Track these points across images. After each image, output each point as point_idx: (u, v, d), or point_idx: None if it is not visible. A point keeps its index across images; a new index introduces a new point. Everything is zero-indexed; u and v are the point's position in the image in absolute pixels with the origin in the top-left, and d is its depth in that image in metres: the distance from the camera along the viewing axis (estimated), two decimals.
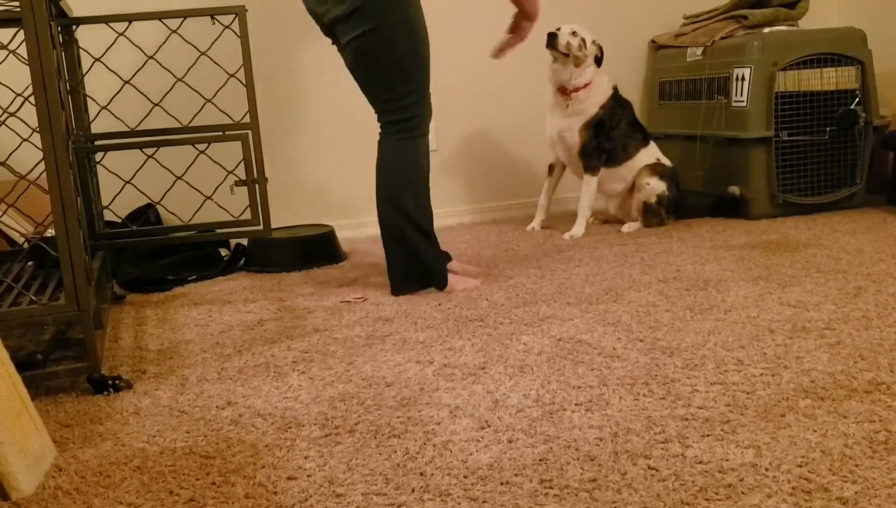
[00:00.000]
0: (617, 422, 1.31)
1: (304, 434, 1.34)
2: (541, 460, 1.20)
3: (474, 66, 3.26)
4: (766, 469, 1.12)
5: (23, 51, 1.55)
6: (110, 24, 2.20)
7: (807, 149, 2.93)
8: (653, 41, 3.48)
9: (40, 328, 1.81)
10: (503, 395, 1.45)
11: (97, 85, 2.47)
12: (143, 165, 2.36)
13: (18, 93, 1.94)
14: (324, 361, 1.71)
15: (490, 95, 3.32)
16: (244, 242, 2.80)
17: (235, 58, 2.40)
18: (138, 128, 2.31)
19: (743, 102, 2.89)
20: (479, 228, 3.17)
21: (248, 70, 2.19)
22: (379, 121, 2.16)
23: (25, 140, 2.01)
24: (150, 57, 2.22)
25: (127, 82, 2.25)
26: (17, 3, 1.56)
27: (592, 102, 2.78)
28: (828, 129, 2.93)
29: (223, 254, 2.83)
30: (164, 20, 2.21)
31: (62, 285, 1.60)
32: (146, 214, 2.76)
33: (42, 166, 1.53)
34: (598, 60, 2.80)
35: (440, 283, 2.19)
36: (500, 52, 2.21)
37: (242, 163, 2.23)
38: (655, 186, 2.85)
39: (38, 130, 1.51)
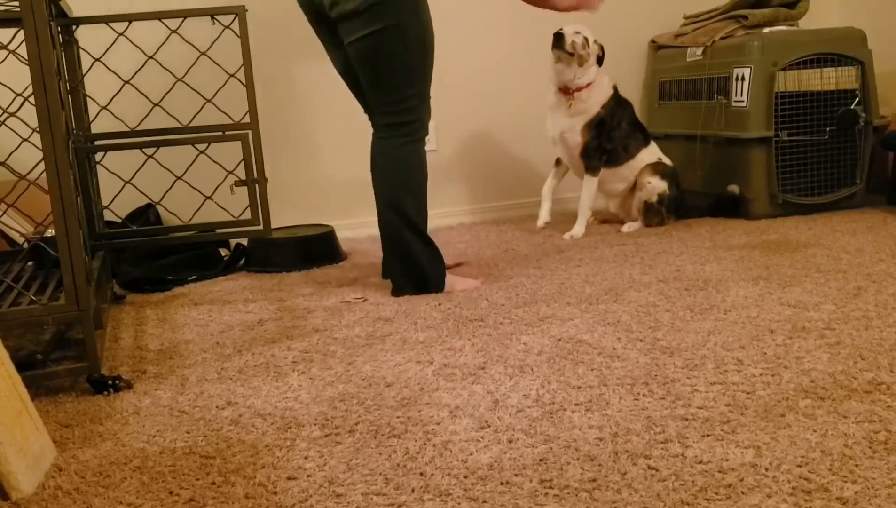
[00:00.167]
0: (617, 422, 1.31)
1: (304, 434, 1.34)
2: (541, 460, 1.20)
3: (475, 66, 3.26)
4: (766, 469, 1.12)
5: (23, 51, 1.55)
6: (110, 24, 2.20)
7: (807, 149, 2.93)
8: (653, 41, 3.48)
9: (40, 328, 1.81)
10: (503, 395, 1.45)
11: (97, 85, 2.47)
12: (143, 165, 2.36)
13: (18, 93, 1.94)
14: (324, 361, 1.71)
15: (490, 96, 3.32)
16: (244, 242, 2.80)
17: (235, 58, 2.40)
18: (138, 128, 2.31)
19: (743, 102, 2.89)
20: (479, 228, 3.17)
21: (248, 70, 2.19)
22: (377, 122, 2.14)
23: (25, 140, 2.01)
24: (150, 57, 2.22)
25: (127, 82, 2.25)
26: (16, 3, 1.56)
27: (594, 101, 2.78)
28: (828, 129, 2.93)
29: (223, 254, 2.83)
30: (164, 20, 2.21)
31: (62, 285, 1.60)
32: (146, 214, 2.76)
33: (42, 166, 1.53)
34: (600, 60, 2.81)
35: (437, 288, 2.19)
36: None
37: (242, 163, 2.23)
38: (657, 186, 2.85)
39: (38, 130, 1.51)
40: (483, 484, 1.14)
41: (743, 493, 1.07)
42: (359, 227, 3.15)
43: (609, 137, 2.81)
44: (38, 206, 2.08)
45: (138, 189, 2.40)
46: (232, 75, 2.33)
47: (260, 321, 2.05)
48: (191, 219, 2.43)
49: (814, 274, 2.13)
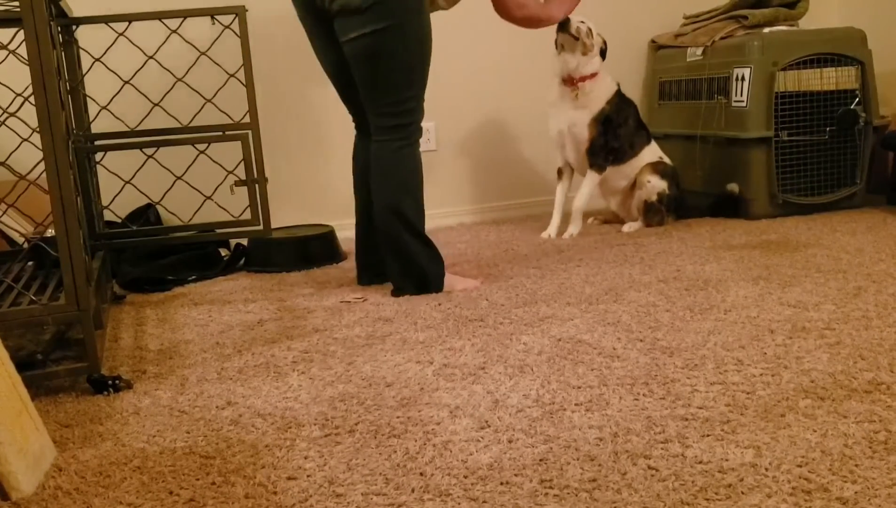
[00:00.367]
0: (617, 422, 1.31)
1: (304, 434, 1.34)
2: (541, 460, 1.20)
3: (475, 66, 3.26)
4: (766, 469, 1.12)
5: (23, 51, 1.55)
6: (110, 24, 2.20)
7: (807, 149, 2.93)
8: (653, 41, 3.48)
9: (40, 328, 1.81)
10: (503, 395, 1.45)
11: (97, 85, 2.47)
12: (143, 165, 2.36)
13: (18, 93, 1.94)
14: (324, 361, 1.71)
15: (490, 96, 3.32)
16: (244, 242, 2.80)
17: (235, 58, 2.40)
18: (138, 128, 2.31)
19: (743, 102, 2.89)
20: (479, 228, 3.17)
21: (248, 70, 2.19)
22: (374, 123, 2.11)
23: (25, 140, 2.01)
24: (150, 57, 2.22)
25: (127, 82, 2.25)
26: (16, 3, 1.56)
27: (599, 95, 2.78)
28: (828, 129, 2.93)
29: (223, 254, 2.83)
30: (164, 20, 2.21)
31: (62, 285, 1.60)
32: (146, 214, 2.76)
33: (42, 166, 1.53)
34: (603, 54, 2.81)
35: (437, 288, 2.19)
36: None
37: (242, 163, 2.23)
38: (656, 185, 2.85)
39: (38, 130, 1.51)
40: (483, 484, 1.14)
41: (743, 493, 1.07)
42: None
43: (616, 135, 2.81)
44: (38, 206, 2.08)
45: (138, 189, 2.40)
46: (232, 75, 2.33)
47: (260, 321, 2.06)
48: (191, 219, 2.43)
49: (814, 274, 2.13)
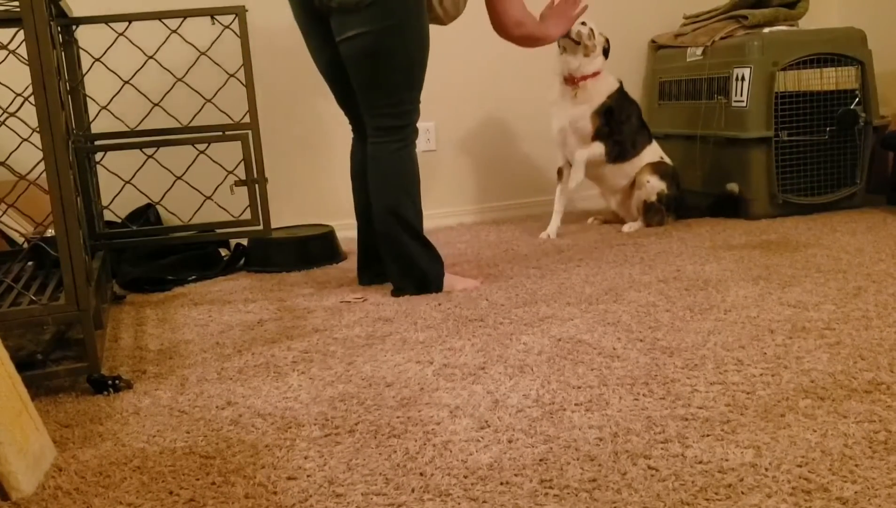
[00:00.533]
0: (617, 422, 1.31)
1: (304, 434, 1.34)
2: (541, 460, 1.20)
3: (475, 66, 3.26)
4: (766, 469, 1.12)
5: (23, 51, 1.55)
6: (110, 24, 2.20)
7: (807, 149, 2.93)
8: (653, 41, 3.48)
9: (40, 328, 1.81)
10: (503, 395, 1.45)
11: (97, 85, 2.47)
12: (143, 165, 2.36)
13: (18, 93, 1.94)
14: (324, 361, 1.71)
15: (490, 96, 3.32)
16: (244, 242, 2.80)
17: (235, 58, 2.40)
18: (138, 128, 2.31)
19: (743, 102, 2.89)
20: (479, 228, 3.17)
21: (248, 70, 2.19)
22: (370, 124, 2.10)
23: (25, 140, 2.01)
24: (150, 57, 2.22)
25: (127, 82, 2.25)
26: (16, 3, 1.56)
27: (600, 90, 2.78)
28: (828, 129, 2.93)
29: (223, 254, 2.83)
30: (164, 20, 2.21)
31: (62, 285, 1.60)
32: (146, 214, 2.76)
33: (42, 166, 1.53)
34: (606, 52, 2.82)
35: (437, 288, 2.19)
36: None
37: (242, 163, 2.23)
38: (656, 185, 2.85)
39: (38, 130, 1.51)
40: (483, 484, 1.14)
41: (743, 493, 1.07)
42: None
43: (619, 129, 2.81)
44: (38, 206, 2.08)
45: (138, 189, 2.40)
46: (232, 75, 2.33)
47: (260, 321, 2.05)
48: (191, 219, 2.43)
49: (814, 274, 2.13)
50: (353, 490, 1.15)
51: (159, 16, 2.18)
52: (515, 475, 1.16)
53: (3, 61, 2.01)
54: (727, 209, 2.99)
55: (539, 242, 2.81)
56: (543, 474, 1.15)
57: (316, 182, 3.12)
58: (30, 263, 2.04)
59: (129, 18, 2.18)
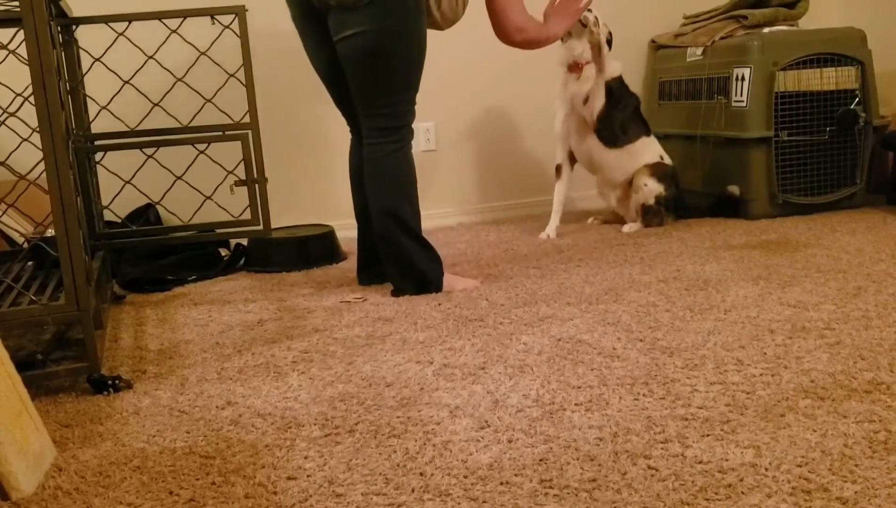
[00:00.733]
0: (617, 422, 1.31)
1: (304, 434, 1.34)
2: (541, 460, 1.20)
3: (475, 66, 3.26)
4: (766, 469, 1.12)
5: (23, 51, 1.55)
6: (110, 24, 2.20)
7: (807, 149, 2.93)
8: (653, 41, 3.48)
9: (40, 328, 1.81)
10: (503, 395, 1.45)
11: (97, 85, 2.47)
12: (142, 165, 2.36)
13: (18, 93, 1.94)
14: (324, 361, 1.71)
15: (490, 96, 3.32)
16: (244, 242, 2.80)
17: (235, 58, 2.40)
18: (138, 128, 2.31)
19: (743, 102, 2.90)
20: (479, 228, 3.17)
21: (248, 70, 2.19)
22: (366, 125, 2.09)
23: (25, 140, 2.01)
24: (150, 57, 2.22)
25: (127, 82, 2.25)
26: (16, 3, 1.56)
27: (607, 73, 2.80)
28: (828, 129, 2.93)
29: (223, 254, 2.83)
30: (164, 20, 2.21)
31: (62, 285, 1.60)
32: (146, 214, 2.76)
33: (42, 166, 1.54)
34: (609, 43, 2.82)
35: (437, 288, 2.19)
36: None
37: (242, 163, 2.23)
38: (653, 188, 2.85)
39: (38, 130, 1.51)
40: (483, 484, 1.14)
41: (743, 493, 1.07)
42: None
43: (612, 114, 2.81)
44: (38, 206, 2.08)
45: (138, 189, 2.40)
46: (232, 75, 2.33)
47: (260, 321, 2.06)
48: (191, 219, 2.44)
49: (814, 274, 2.13)
50: (353, 490, 1.15)
51: (159, 16, 2.18)
52: (515, 475, 1.16)
53: (3, 61, 2.01)
54: (727, 210, 2.99)
55: (539, 242, 2.81)
56: (543, 474, 1.15)
57: (316, 182, 3.13)
58: (30, 263, 2.04)
59: (129, 18, 2.18)
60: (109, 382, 1.59)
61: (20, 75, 1.84)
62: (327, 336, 1.88)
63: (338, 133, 3.10)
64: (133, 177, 2.35)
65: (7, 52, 1.73)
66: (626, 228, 2.90)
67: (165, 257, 2.63)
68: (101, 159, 2.36)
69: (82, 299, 1.58)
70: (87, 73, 2.34)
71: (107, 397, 1.58)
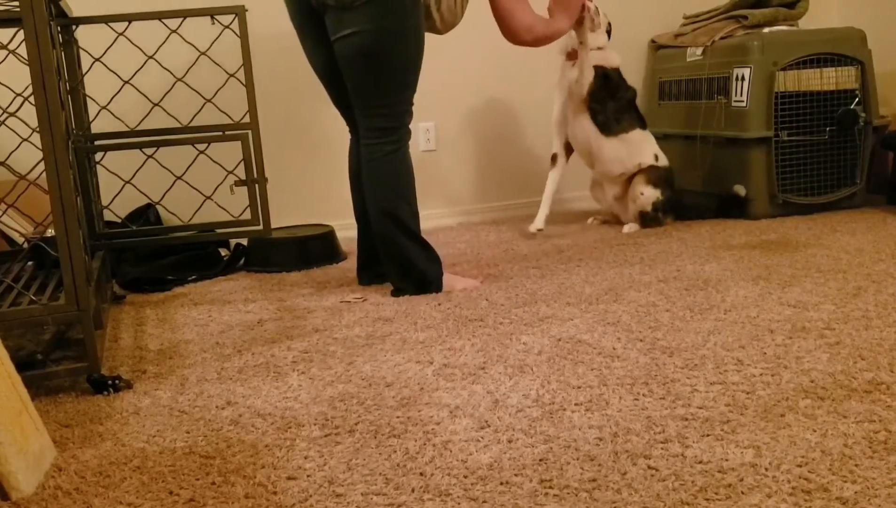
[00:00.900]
0: (617, 422, 1.31)
1: (304, 434, 1.34)
2: (541, 460, 1.20)
3: (475, 66, 3.26)
4: (766, 469, 1.12)
5: (23, 51, 1.55)
6: (110, 24, 2.20)
7: (807, 149, 2.93)
8: (653, 41, 3.48)
9: (40, 328, 1.81)
10: (503, 395, 1.45)
11: (97, 85, 2.47)
12: (142, 165, 2.36)
13: (18, 93, 1.94)
14: (324, 361, 1.71)
15: (490, 96, 3.32)
16: (244, 242, 2.80)
17: (235, 58, 2.40)
18: (138, 128, 2.31)
19: (743, 102, 2.89)
20: (479, 228, 3.17)
21: (248, 70, 2.19)
22: (363, 125, 2.09)
23: (25, 140, 2.01)
24: (150, 57, 2.22)
25: (127, 82, 2.25)
26: (16, 3, 1.56)
27: (599, 57, 2.80)
28: (828, 129, 2.93)
29: (223, 254, 2.83)
30: (164, 20, 2.21)
31: (62, 285, 1.60)
32: (146, 214, 2.76)
33: (42, 166, 1.54)
34: (608, 33, 2.82)
35: (436, 288, 2.19)
36: None
37: (242, 163, 2.23)
38: (650, 195, 2.85)
39: (38, 130, 1.51)
40: (483, 484, 1.14)
41: (743, 493, 1.07)
42: None
43: (612, 96, 2.81)
44: (38, 206, 2.08)
45: (138, 189, 2.40)
46: (232, 75, 2.33)
47: (260, 320, 2.06)
48: (191, 219, 2.44)
49: (814, 274, 2.13)
50: (353, 490, 1.15)
51: (159, 16, 2.18)
52: (515, 475, 1.16)
53: (3, 61, 2.01)
54: (734, 210, 2.98)
55: (534, 237, 2.81)
56: (543, 474, 1.15)
57: (316, 182, 3.12)
58: (30, 263, 2.04)
59: (129, 18, 2.18)
60: (109, 382, 1.59)
61: (20, 75, 1.84)
62: (327, 336, 1.88)
63: (338, 133, 3.10)
64: (133, 177, 2.35)
65: (7, 52, 1.73)
66: (626, 228, 2.90)
67: (165, 257, 2.63)
68: (101, 159, 2.36)
69: (82, 299, 1.58)
70: (87, 73, 2.34)
71: (107, 397, 1.58)
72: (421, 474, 1.18)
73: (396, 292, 2.19)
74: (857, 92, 2.92)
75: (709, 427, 1.27)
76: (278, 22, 2.94)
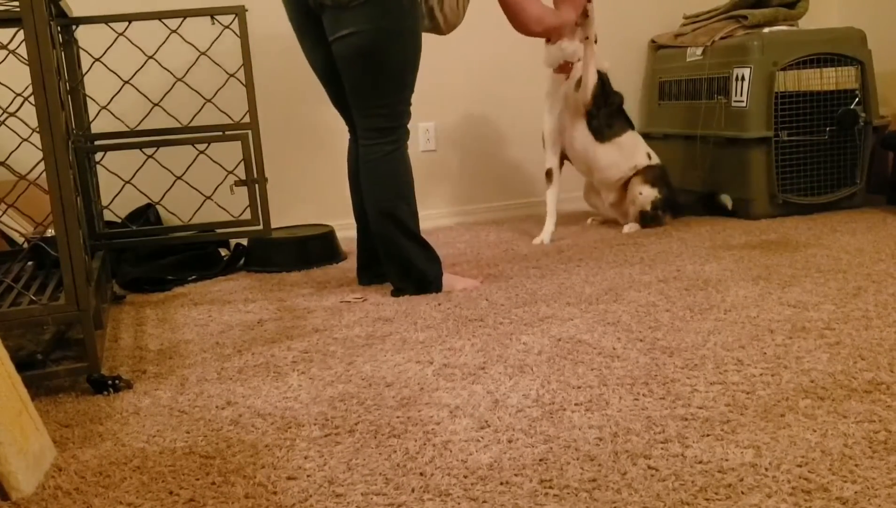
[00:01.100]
0: (617, 422, 1.31)
1: (304, 434, 1.34)
2: (541, 460, 1.20)
3: (475, 66, 3.26)
4: (766, 469, 1.12)
5: (23, 51, 1.55)
6: (110, 24, 2.20)
7: (807, 149, 2.93)
8: (653, 41, 3.48)
9: (40, 328, 1.81)
10: (503, 395, 1.45)
11: (97, 85, 2.47)
12: (142, 165, 2.36)
13: (18, 93, 1.94)
14: (324, 361, 1.71)
15: (490, 96, 3.32)
16: (244, 242, 2.80)
17: (235, 58, 2.40)
18: (138, 128, 2.31)
19: (743, 102, 2.90)
20: (479, 228, 3.17)
21: (248, 70, 2.19)
22: (362, 125, 2.09)
23: (25, 140, 2.01)
24: (150, 57, 2.22)
25: (127, 82, 2.25)
26: (16, 3, 1.56)
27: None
28: (828, 129, 2.93)
29: (223, 254, 2.83)
30: (164, 20, 2.21)
31: (62, 285, 1.60)
32: (146, 214, 2.76)
33: (42, 166, 1.54)
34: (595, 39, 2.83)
35: (436, 288, 2.18)
36: None
37: (242, 163, 2.23)
38: (648, 194, 2.85)
39: (38, 130, 1.51)
40: (483, 484, 1.14)
41: (743, 493, 1.07)
42: None
43: (605, 101, 2.81)
44: (38, 206, 2.08)
45: (138, 189, 2.40)
46: (232, 75, 2.33)
47: (260, 320, 2.06)
48: (191, 219, 2.44)
49: (814, 274, 2.13)
50: (353, 490, 1.15)
51: (159, 16, 2.18)
52: (515, 475, 1.16)
53: (3, 61, 2.01)
54: (717, 210, 3.01)
55: (536, 245, 2.81)
56: (543, 474, 1.15)
57: (316, 182, 3.13)
58: (30, 263, 2.04)
59: (129, 18, 2.18)
60: (109, 382, 1.59)
61: (20, 75, 1.84)
62: (327, 336, 1.88)
63: (337, 133, 3.10)
64: (133, 177, 2.35)
65: (7, 52, 1.73)
66: (626, 228, 2.90)
67: (165, 257, 2.63)
68: (101, 159, 2.36)
69: (82, 299, 1.58)
70: (87, 73, 2.34)
71: (107, 397, 1.58)
72: (421, 474, 1.18)
73: (396, 292, 2.19)
74: (857, 92, 2.92)
75: (709, 427, 1.27)
76: (278, 22, 2.94)
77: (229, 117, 2.37)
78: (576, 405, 1.39)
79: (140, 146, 2.21)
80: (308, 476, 1.20)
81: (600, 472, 1.15)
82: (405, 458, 1.23)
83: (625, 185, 2.91)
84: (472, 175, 3.36)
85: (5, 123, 1.85)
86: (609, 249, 2.61)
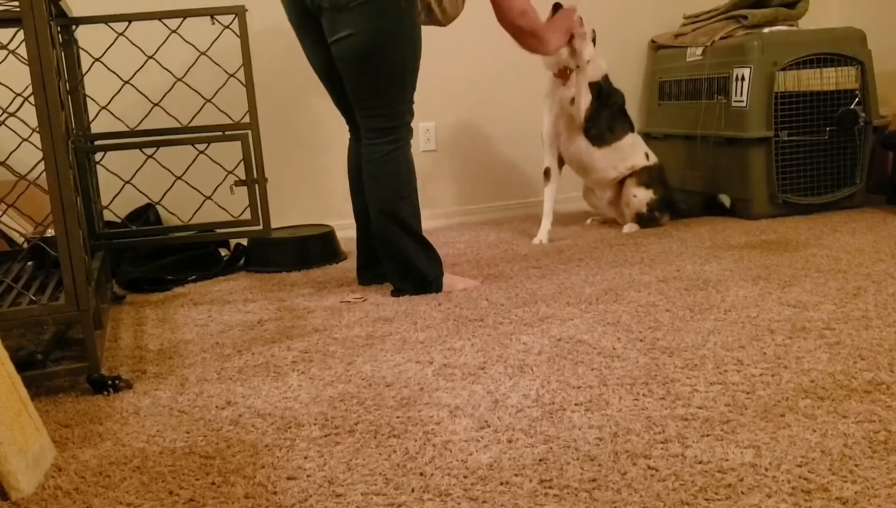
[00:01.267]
0: (617, 422, 1.31)
1: (304, 434, 1.34)
2: (541, 460, 1.20)
3: (475, 66, 3.26)
4: (766, 469, 1.12)
5: (23, 51, 1.55)
6: (110, 24, 2.20)
7: (807, 149, 2.93)
8: (653, 41, 3.48)
9: (40, 328, 1.81)
10: (503, 395, 1.45)
11: (97, 85, 2.47)
12: (142, 165, 2.36)
13: (18, 93, 1.94)
14: (324, 361, 1.71)
15: (489, 96, 3.32)
16: (244, 242, 2.80)
17: (235, 58, 2.40)
18: (138, 128, 2.31)
19: (743, 101, 2.89)
20: (479, 228, 3.17)
21: (248, 70, 2.19)
22: (363, 125, 2.09)
23: (25, 140, 2.01)
24: (150, 57, 2.22)
25: (127, 82, 2.25)
26: (16, 3, 1.56)
27: (591, 74, 2.79)
28: (828, 129, 2.93)
29: (223, 254, 2.83)
30: (164, 20, 2.21)
31: (62, 285, 1.60)
32: (146, 214, 2.76)
33: (42, 166, 1.54)
34: (593, 42, 2.82)
35: (436, 288, 2.18)
36: None
37: (242, 163, 2.23)
38: (643, 197, 2.85)
39: (38, 130, 1.51)
40: (483, 484, 1.14)
41: (743, 493, 1.07)
42: None
43: (599, 113, 2.81)
44: (38, 206, 2.08)
45: (138, 189, 2.40)
46: (232, 75, 2.33)
47: (260, 320, 2.06)
48: (191, 219, 2.43)
49: (814, 274, 2.13)
50: (353, 490, 1.15)
51: (159, 16, 2.18)
52: (515, 475, 1.16)
53: (2, 61, 2.01)
54: (718, 211, 3.01)
55: (534, 245, 2.81)
56: (543, 474, 1.15)
57: (316, 182, 3.13)
58: (30, 263, 2.04)
59: (129, 18, 2.18)
60: (109, 382, 1.59)
61: (20, 75, 1.84)
62: (327, 336, 1.88)
63: (338, 133, 3.10)
64: (133, 177, 2.35)
65: (7, 52, 1.73)
66: (626, 228, 2.90)
67: (165, 257, 2.63)
68: (101, 159, 2.36)
69: (82, 299, 1.58)
70: (87, 73, 2.34)
71: (107, 397, 1.58)
72: (421, 474, 1.18)
73: (396, 292, 2.19)
74: (857, 92, 2.92)
75: (709, 427, 1.27)
76: (278, 22, 2.94)
77: (229, 117, 2.37)
78: (576, 405, 1.39)
79: (140, 146, 2.21)
80: (308, 476, 1.20)
81: (600, 472, 1.15)
82: (405, 458, 1.23)
83: (620, 183, 2.91)
84: (472, 175, 3.36)
85: (5, 123, 1.85)
86: (609, 249, 2.61)
